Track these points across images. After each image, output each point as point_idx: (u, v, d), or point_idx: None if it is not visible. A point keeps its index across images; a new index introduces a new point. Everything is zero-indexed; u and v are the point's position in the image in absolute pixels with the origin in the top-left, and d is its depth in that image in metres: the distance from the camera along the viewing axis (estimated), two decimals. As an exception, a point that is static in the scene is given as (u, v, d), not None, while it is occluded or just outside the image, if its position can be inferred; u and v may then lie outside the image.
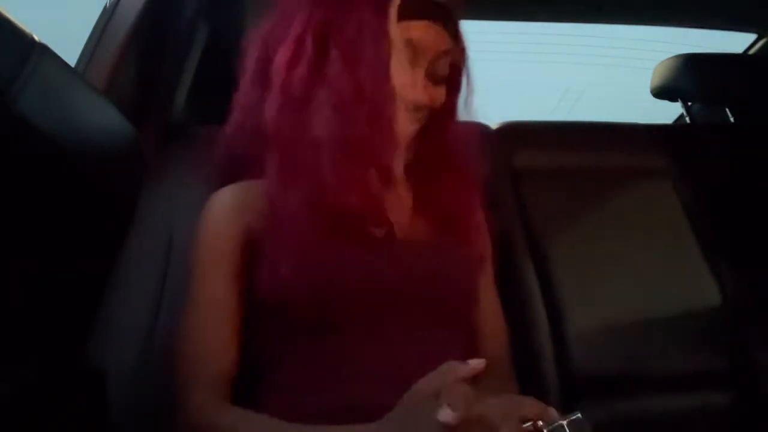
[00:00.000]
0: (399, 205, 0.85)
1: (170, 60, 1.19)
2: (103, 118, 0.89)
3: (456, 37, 0.85)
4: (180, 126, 1.22)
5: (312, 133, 0.78)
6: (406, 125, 0.82)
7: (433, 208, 0.86)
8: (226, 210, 0.84)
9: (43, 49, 0.70)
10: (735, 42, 1.73)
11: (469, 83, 0.88)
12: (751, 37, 1.71)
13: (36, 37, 0.70)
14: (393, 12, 0.79)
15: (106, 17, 1.07)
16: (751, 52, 1.72)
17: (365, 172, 0.78)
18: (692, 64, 1.52)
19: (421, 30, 0.81)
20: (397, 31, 0.79)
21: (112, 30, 1.05)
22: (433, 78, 0.83)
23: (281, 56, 0.81)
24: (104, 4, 1.09)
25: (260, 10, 1.41)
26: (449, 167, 0.88)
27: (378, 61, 0.78)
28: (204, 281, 0.81)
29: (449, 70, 0.86)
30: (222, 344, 0.79)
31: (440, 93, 0.85)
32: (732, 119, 1.60)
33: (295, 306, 0.76)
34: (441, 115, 0.86)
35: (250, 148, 0.84)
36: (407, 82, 0.81)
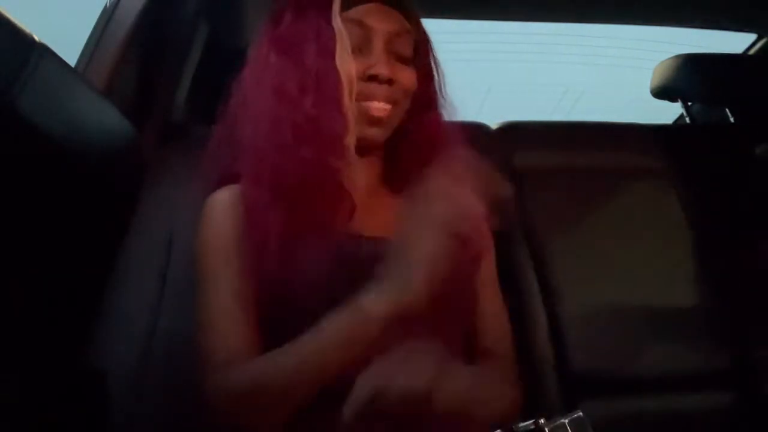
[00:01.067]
0: (384, 209, 0.85)
1: (170, 60, 1.19)
2: (103, 118, 0.89)
3: (412, 21, 0.87)
4: (180, 126, 1.23)
5: (274, 129, 0.81)
6: (368, 107, 0.83)
7: None
8: (225, 208, 0.85)
9: (43, 49, 0.70)
10: (735, 42, 1.74)
11: (438, 70, 0.90)
12: (751, 37, 1.71)
13: (36, 37, 0.70)
14: (336, 3, 0.82)
15: (106, 17, 1.07)
16: (751, 52, 1.72)
17: (319, 150, 0.80)
18: (692, 64, 1.52)
19: (367, 11, 0.84)
20: (342, 19, 0.82)
21: (112, 30, 1.05)
22: (396, 57, 0.85)
23: (252, 79, 0.85)
24: (104, 4, 1.09)
25: (260, 9, 1.42)
26: (438, 165, 0.88)
27: (321, 49, 0.81)
28: (218, 279, 0.81)
29: (418, 59, 0.87)
30: (244, 338, 0.78)
31: (408, 73, 0.86)
32: (732, 119, 1.60)
33: (278, 300, 0.77)
34: (420, 108, 0.88)
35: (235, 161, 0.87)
36: (367, 63, 0.83)
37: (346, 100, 0.81)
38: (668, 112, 1.76)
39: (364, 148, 0.85)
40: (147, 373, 0.93)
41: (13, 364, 0.75)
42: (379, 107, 0.83)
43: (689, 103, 1.62)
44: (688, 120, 1.63)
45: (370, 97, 0.83)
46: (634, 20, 1.66)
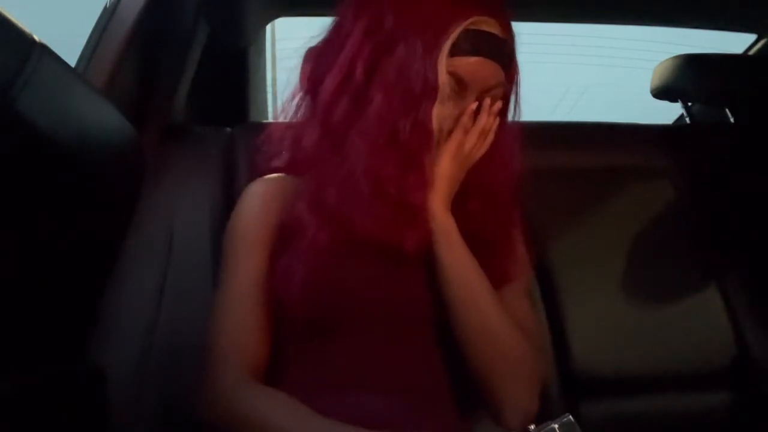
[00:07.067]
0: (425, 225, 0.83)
1: (170, 60, 1.19)
2: (103, 118, 0.89)
3: (509, 66, 0.83)
4: (180, 126, 1.23)
5: (346, 167, 0.78)
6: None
7: (461, 227, 0.82)
8: (261, 199, 0.86)
9: (43, 49, 0.70)
10: (735, 42, 1.74)
11: (517, 104, 0.87)
12: (751, 37, 1.71)
13: (36, 37, 0.70)
14: (445, 50, 0.77)
15: (106, 17, 1.07)
16: (751, 52, 1.72)
17: (390, 210, 0.78)
18: (692, 65, 1.52)
19: (472, 66, 0.79)
20: (446, 68, 0.78)
21: (112, 30, 1.05)
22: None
23: (329, 82, 0.81)
24: (104, 4, 1.09)
25: (260, 10, 1.42)
26: (490, 193, 0.85)
27: (420, 102, 0.77)
28: (238, 266, 0.82)
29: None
30: (254, 328, 0.80)
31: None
32: (732, 119, 1.60)
33: (303, 312, 0.78)
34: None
35: (287, 155, 0.87)
36: (451, 115, 0.80)
37: (432, 153, 0.79)
38: (668, 112, 1.76)
39: None
40: (147, 372, 0.93)
41: (13, 363, 0.75)
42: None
43: (689, 103, 1.62)
44: (688, 120, 1.63)
45: None
46: (634, 20, 1.66)
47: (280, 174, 0.88)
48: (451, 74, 0.78)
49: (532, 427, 0.62)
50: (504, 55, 0.81)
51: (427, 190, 0.80)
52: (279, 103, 0.90)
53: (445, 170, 0.80)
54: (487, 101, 0.80)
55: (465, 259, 0.79)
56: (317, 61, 0.84)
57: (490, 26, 0.80)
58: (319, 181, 0.80)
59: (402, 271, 0.80)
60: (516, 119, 0.87)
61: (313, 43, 0.87)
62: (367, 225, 0.77)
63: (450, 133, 0.80)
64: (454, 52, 0.78)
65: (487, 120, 0.80)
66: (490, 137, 0.82)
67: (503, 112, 0.85)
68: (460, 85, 0.79)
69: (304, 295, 0.77)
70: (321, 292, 0.77)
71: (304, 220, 0.79)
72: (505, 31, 0.81)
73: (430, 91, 0.77)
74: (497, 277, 0.82)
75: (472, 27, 0.78)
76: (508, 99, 0.85)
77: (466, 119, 0.80)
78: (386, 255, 0.79)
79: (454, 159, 0.80)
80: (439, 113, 0.79)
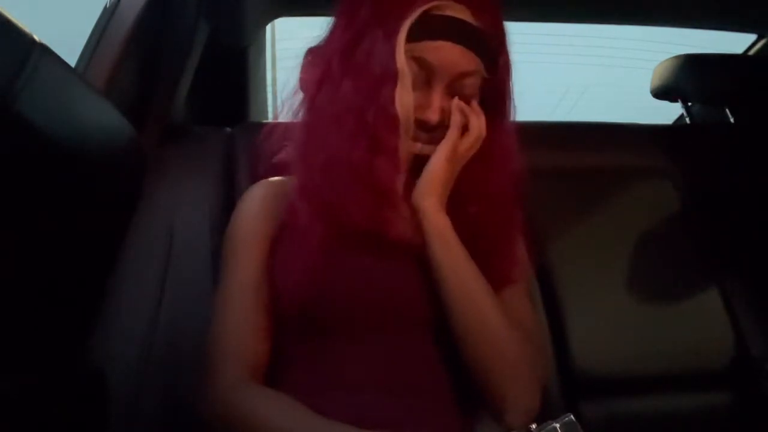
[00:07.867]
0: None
1: (170, 60, 1.19)
2: (103, 118, 0.89)
3: (492, 59, 0.82)
4: (180, 126, 1.23)
5: (325, 153, 0.80)
6: (413, 146, 0.81)
7: (461, 231, 0.82)
8: (261, 201, 0.87)
9: (43, 49, 0.70)
10: (735, 42, 1.74)
11: (511, 102, 0.86)
12: (751, 37, 1.71)
13: (36, 37, 0.70)
14: (403, 33, 0.77)
15: (106, 17, 1.07)
16: (751, 52, 1.72)
17: (366, 194, 0.78)
18: (692, 65, 1.53)
19: (436, 50, 0.78)
20: (407, 52, 0.78)
21: (112, 30, 1.05)
22: (455, 96, 0.81)
23: (313, 76, 0.83)
24: (104, 4, 1.09)
25: (260, 10, 1.42)
26: (489, 195, 0.84)
27: (382, 87, 0.78)
28: (238, 267, 0.83)
29: (492, 95, 0.84)
30: (254, 329, 0.80)
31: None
32: (732, 119, 1.60)
33: (300, 307, 0.79)
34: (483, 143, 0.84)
35: (286, 155, 0.87)
36: (419, 103, 0.79)
37: (401, 139, 0.79)
38: (668, 112, 1.77)
39: (419, 164, 0.83)
40: (147, 372, 0.93)
41: (13, 363, 0.76)
42: (423, 148, 0.81)
43: (689, 103, 1.62)
44: (688, 120, 1.63)
45: (416, 138, 0.80)
46: (634, 20, 1.66)
47: (280, 177, 0.88)
48: (416, 59, 0.78)
49: (534, 426, 0.61)
50: (476, 41, 0.79)
51: (397, 174, 0.79)
52: (279, 103, 0.91)
53: (438, 170, 0.80)
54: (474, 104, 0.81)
55: (460, 258, 0.79)
56: (312, 60, 0.86)
57: (456, 11, 0.79)
58: (306, 170, 0.81)
59: (400, 270, 0.80)
60: (512, 119, 0.87)
61: (313, 43, 0.87)
62: (350, 211, 0.78)
63: (422, 122, 0.79)
64: (415, 37, 0.78)
65: (479, 120, 0.81)
66: (482, 135, 0.82)
67: (500, 113, 0.85)
68: (426, 70, 0.79)
69: (301, 289, 0.77)
70: (318, 288, 0.78)
71: (297, 211, 0.80)
72: (479, 19, 0.80)
73: (390, 75, 0.77)
74: (498, 279, 0.82)
75: (436, 12, 0.78)
76: (503, 98, 0.85)
77: (458, 117, 0.80)
78: (382, 251, 0.79)
79: (449, 159, 0.80)
80: (407, 101, 0.78)
